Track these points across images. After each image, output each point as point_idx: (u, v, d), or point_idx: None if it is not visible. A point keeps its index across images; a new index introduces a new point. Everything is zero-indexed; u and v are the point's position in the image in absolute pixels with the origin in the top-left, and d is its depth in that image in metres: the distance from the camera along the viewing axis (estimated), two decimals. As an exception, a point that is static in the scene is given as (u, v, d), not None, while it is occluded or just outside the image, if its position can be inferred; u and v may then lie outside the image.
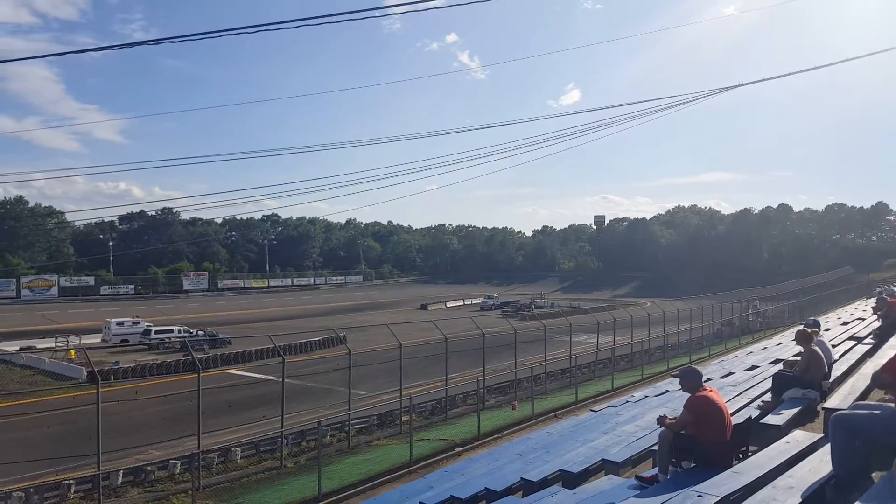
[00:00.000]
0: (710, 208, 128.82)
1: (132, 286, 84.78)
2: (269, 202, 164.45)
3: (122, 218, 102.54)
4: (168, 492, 15.11)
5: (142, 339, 39.72)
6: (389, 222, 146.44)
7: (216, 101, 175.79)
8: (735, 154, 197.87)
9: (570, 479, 8.12)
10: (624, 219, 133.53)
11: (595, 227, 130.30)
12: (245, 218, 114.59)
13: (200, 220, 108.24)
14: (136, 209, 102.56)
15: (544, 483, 8.22)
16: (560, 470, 8.57)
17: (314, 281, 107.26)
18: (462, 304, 75.94)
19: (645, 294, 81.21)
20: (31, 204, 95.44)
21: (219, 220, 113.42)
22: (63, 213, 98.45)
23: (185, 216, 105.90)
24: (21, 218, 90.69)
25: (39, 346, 37.71)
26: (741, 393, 10.32)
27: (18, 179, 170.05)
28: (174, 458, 16.44)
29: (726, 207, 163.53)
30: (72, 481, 14.77)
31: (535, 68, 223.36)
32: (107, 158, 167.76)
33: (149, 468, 16.03)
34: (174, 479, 15.99)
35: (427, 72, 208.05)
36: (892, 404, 3.83)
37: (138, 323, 42.09)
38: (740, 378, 12.91)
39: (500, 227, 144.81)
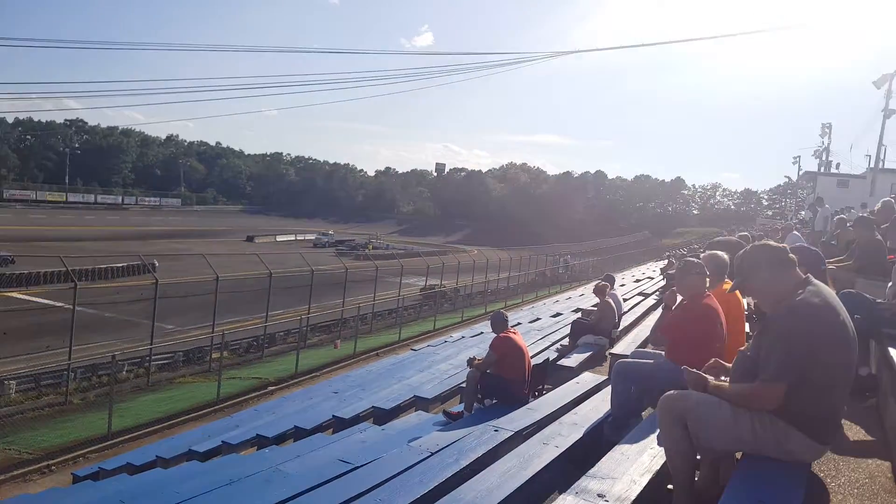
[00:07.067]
0: (538, 168, 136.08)
1: None
2: (70, 103, 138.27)
3: None
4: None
5: None
6: (218, 143, 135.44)
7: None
8: (567, 119, 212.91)
9: (381, 416, 8.22)
10: (462, 169, 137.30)
11: (435, 175, 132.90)
12: (45, 121, 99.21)
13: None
14: None
15: (356, 420, 8.24)
16: (373, 407, 8.66)
17: (122, 200, 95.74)
18: (294, 239, 73.08)
19: (474, 242, 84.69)
20: None
21: (10, 120, 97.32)
22: None
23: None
24: None
25: None
26: (544, 337, 11.19)
27: None
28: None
29: (553, 168, 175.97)
30: None
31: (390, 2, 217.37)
32: None
33: None
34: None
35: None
36: (663, 354, 4.25)
37: None
38: (546, 324, 14.07)
39: (343, 163, 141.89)
